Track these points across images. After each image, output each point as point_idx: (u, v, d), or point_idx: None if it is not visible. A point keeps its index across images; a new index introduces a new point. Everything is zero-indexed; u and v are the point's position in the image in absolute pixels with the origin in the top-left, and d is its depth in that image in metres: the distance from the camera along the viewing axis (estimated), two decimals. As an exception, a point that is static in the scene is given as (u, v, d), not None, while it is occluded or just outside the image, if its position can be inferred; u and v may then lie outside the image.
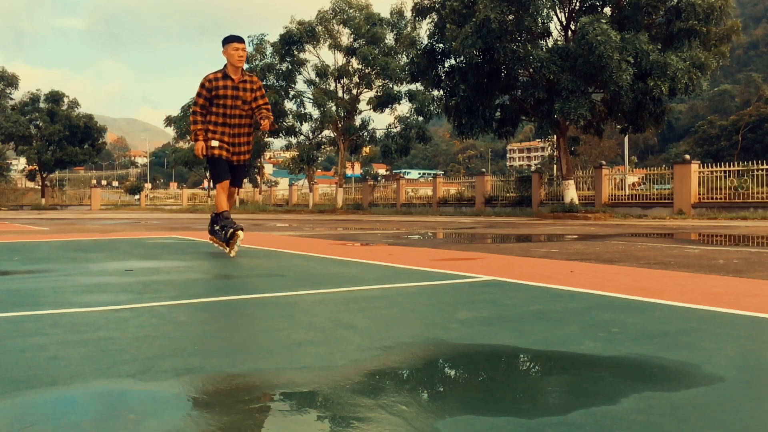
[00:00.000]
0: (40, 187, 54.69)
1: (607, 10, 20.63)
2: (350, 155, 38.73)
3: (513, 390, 1.59)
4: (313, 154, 34.44)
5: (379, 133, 34.21)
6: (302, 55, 32.70)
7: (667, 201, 20.80)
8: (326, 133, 35.17)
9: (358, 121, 33.80)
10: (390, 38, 31.93)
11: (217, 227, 5.55)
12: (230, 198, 5.76)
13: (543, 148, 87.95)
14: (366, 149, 40.43)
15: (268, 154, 67.31)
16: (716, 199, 19.52)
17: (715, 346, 2.03)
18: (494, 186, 27.12)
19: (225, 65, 5.51)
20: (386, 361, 1.85)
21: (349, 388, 1.57)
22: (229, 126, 5.49)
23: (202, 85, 5.45)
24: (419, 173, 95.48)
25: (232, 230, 5.33)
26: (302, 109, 33.27)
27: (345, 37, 32.41)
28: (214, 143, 5.45)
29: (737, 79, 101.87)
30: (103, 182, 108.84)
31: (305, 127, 34.67)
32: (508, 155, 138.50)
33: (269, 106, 5.69)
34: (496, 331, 2.28)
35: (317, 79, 32.83)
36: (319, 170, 50.50)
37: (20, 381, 1.65)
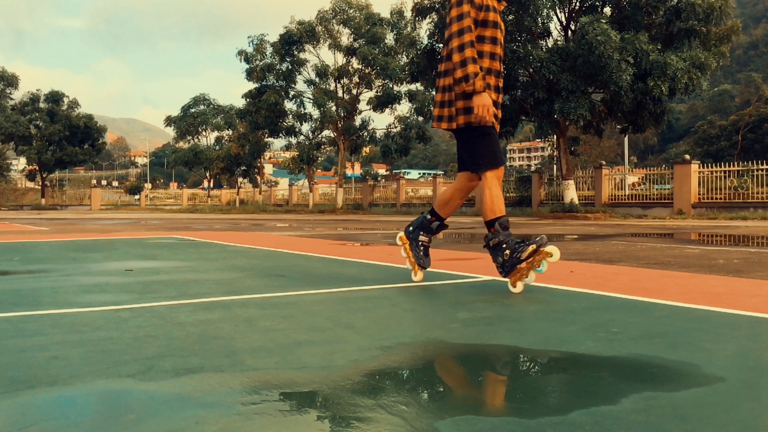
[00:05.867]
0: (40, 187, 54.72)
1: (607, 10, 20.64)
2: (350, 155, 38.78)
3: (513, 390, 1.59)
4: (313, 154, 34.47)
5: (379, 133, 34.24)
6: (302, 55, 32.73)
7: (667, 201, 20.80)
8: (326, 133, 35.21)
9: (358, 121, 33.83)
10: (390, 38, 31.95)
11: (496, 243, 3.22)
12: (463, 196, 3.59)
13: (543, 148, 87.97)
14: (366, 149, 40.49)
15: (268, 154, 67.32)
16: (716, 199, 19.53)
17: (715, 346, 2.03)
18: (494, 186, 27.07)
19: None
20: (386, 361, 1.85)
21: (349, 388, 1.57)
22: (495, 75, 3.40)
23: (470, 1, 3.31)
24: (419, 173, 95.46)
25: (534, 245, 3.11)
26: (302, 109, 33.30)
27: (345, 37, 32.45)
28: None
29: (737, 79, 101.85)
30: (103, 182, 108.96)
31: (305, 127, 34.68)
32: (508, 155, 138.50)
33: None
34: (496, 331, 2.28)
35: (317, 79, 32.85)
36: (319, 170, 50.54)
37: (20, 381, 1.65)
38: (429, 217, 3.63)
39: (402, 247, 3.69)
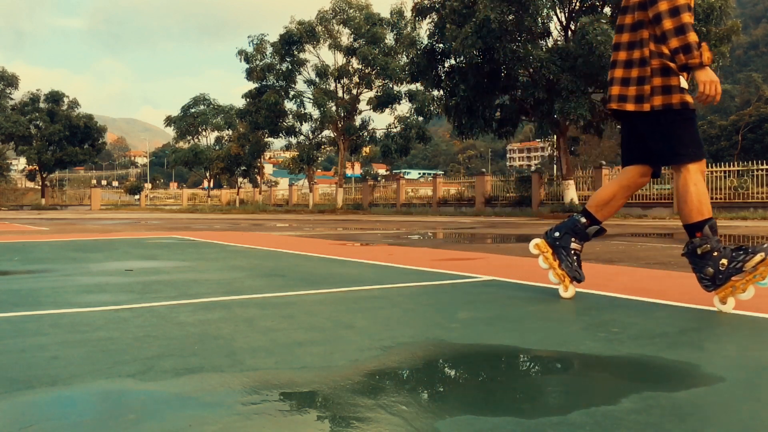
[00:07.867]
0: (40, 187, 54.73)
1: (607, 10, 20.64)
2: (350, 155, 38.78)
3: (513, 390, 1.59)
4: (313, 154, 34.48)
5: (379, 133, 34.25)
6: (302, 55, 32.74)
7: (667, 201, 20.81)
8: (326, 133, 35.23)
9: (358, 121, 33.85)
10: (390, 38, 31.96)
11: (706, 250, 2.66)
12: (628, 195, 3.01)
13: (543, 148, 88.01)
14: (366, 149, 40.48)
15: (268, 154, 67.31)
16: (716, 199, 19.53)
17: (715, 346, 2.04)
18: (494, 186, 27.11)
19: None
20: (386, 361, 1.85)
21: (349, 388, 1.57)
22: None
23: None
24: (419, 173, 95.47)
25: (762, 254, 2.56)
26: (302, 109, 33.31)
27: (345, 37, 32.46)
28: (684, 83, 2.74)
29: (737, 79, 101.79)
30: (103, 182, 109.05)
31: (305, 127, 34.72)
32: (508, 155, 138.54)
33: None
34: (496, 331, 2.28)
35: (317, 79, 32.87)
36: (319, 170, 50.49)
37: (20, 381, 1.65)
38: (583, 220, 2.97)
39: (541, 255, 3.03)
